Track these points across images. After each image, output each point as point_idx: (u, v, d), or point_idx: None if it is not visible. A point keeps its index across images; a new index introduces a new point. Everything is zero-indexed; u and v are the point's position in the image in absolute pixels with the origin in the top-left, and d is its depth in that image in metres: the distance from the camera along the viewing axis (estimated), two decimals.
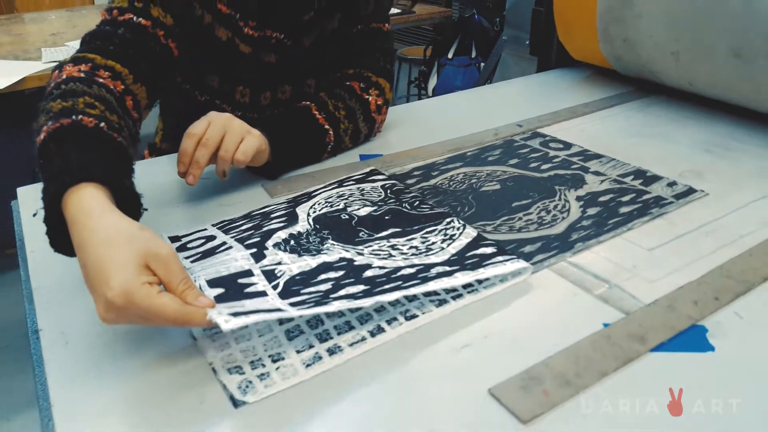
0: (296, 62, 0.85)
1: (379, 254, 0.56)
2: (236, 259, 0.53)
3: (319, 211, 0.64)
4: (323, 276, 0.52)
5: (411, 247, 0.58)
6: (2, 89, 1.81)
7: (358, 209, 0.65)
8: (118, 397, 0.44)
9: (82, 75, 0.61)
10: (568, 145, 0.85)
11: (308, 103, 0.81)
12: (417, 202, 0.67)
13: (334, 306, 0.47)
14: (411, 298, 0.52)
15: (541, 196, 0.71)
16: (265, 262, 0.54)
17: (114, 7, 0.70)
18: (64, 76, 0.60)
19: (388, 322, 0.50)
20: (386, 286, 0.50)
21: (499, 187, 0.73)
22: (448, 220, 0.63)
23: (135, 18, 0.69)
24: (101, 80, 0.62)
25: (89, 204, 0.47)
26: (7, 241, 2.54)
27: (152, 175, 0.77)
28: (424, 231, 0.61)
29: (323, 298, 0.49)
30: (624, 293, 0.54)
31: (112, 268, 0.43)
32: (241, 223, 0.63)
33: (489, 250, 0.57)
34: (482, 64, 2.82)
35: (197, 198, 0.72)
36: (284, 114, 0.79)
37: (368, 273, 0.53)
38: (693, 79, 0.92)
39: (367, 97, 0.85)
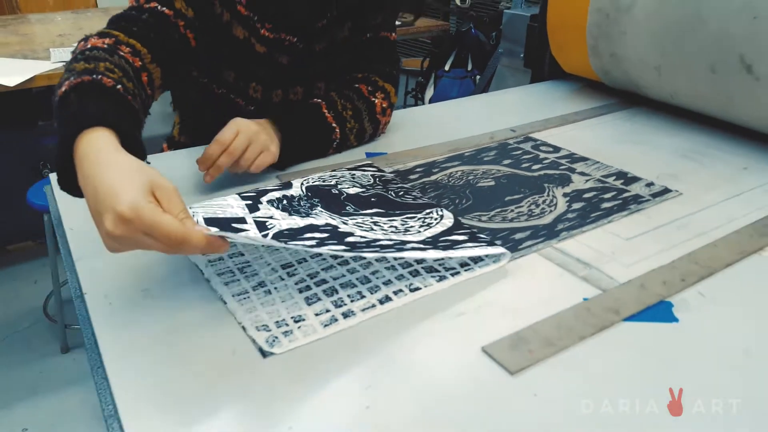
0: (307, 65, 0.92)
1: (362, 226, 0.62)
2: (232, 206, 0.59)
3: (312, 182, 0.70)
4: (309, 235, 0.58)
5: (391, 226, 0.64)
6: (14, 86, 1.87)
7: (348, 188, 0.72)
8: (160, 349, 0.50)
9: (105, 46, 0.68)
10: (557, 149, 0.92)
11: (318, 101, 0.88)
12: (402, 192, 0.74)
13: (317, 249, 0.53)
14: (414, 274, 0.59)
15: (532, 192, 0.78)
16: (258, 213, 0.59)
17: None
18: (89, 45, 0.68)
19: (395, 293, 0.57)
20: (365, 250, 0.56)
21: (494, 184, 0.80)
22: (428, 210, 0.69)
23: (159, 7, 0.76)
24: (122, 53, 0.69)
25: (100, 144, 0.52)
26: (8, 237, 2.57)
27: (172, 167, 0.83)
28: (405, 216, 0.67)
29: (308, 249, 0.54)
30: (602, 274, 0.61)
31: (123, 188, 0.47)
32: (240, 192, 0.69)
33: (462, 237, 0.63)
34: (478, 77, 2.91)
35: (215, 188, 0.78)
36: (296, 111, 0.86)
37: (350, 239, 0.59)
38: (674, 92, 1.00)
39: (373, 99, 0.92)
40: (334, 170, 0.79)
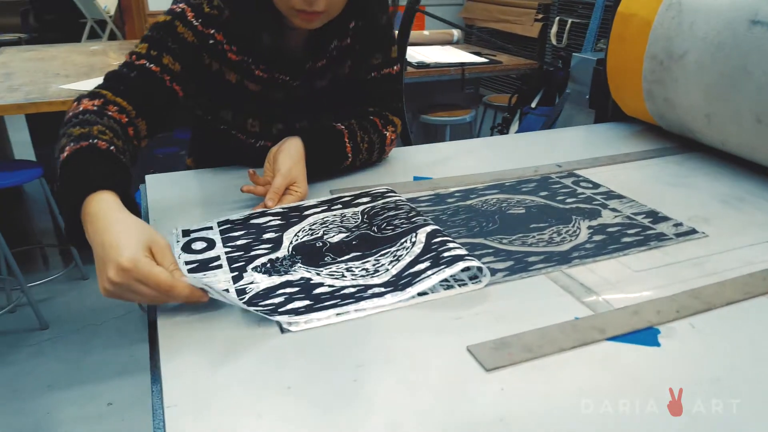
0: (308, 101, 0.98)
1: (334, 275, 0.68)
2: (220, 281, 0.67)
3: (301, 239, 0.76)
4: (281, 291, 0.65)
5: (362, 269, 0.69)
6: None
7: (333, 236, 0.77)
8: (204, 319, 0.61)
9: (95, 108, 0.78)
10: (596, 185, 0.97)
11: (342, 128, 0.96)
12: (384, 224, 0.79)
13: (275, 318, 0.60)
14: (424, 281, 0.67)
15: (558, 222, 0.83)
16: (241, 282, 0.67)
17: (135, 51, 0.86)
18: (81, 108, 0.78)
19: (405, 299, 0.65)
20: (326, 303, 0.62)
21: (524, 212, 0.87)
22: (403, 240, 0.74)
23: (147, 63, 0.84)
24: (110, 113, 0.79)
25: (106, 204, 0.63)
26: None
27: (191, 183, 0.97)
28: (379, 254, 0.73)
29: (272, 312, 0.61)
30: (600, 299, 0.66)
31: (125, 244, 0.58)
32: (239, 234, 0.76)
33: (424, 265, 0.67)
34: None
35: (229, 202, 0.87)
36: (321, 135, 0.95)
37: (317, 290, 0.65)
38: (724, 139, 1.02)
39: (385, 132, 1.01)
40: (331, 207, 0.85)
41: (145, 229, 0.62)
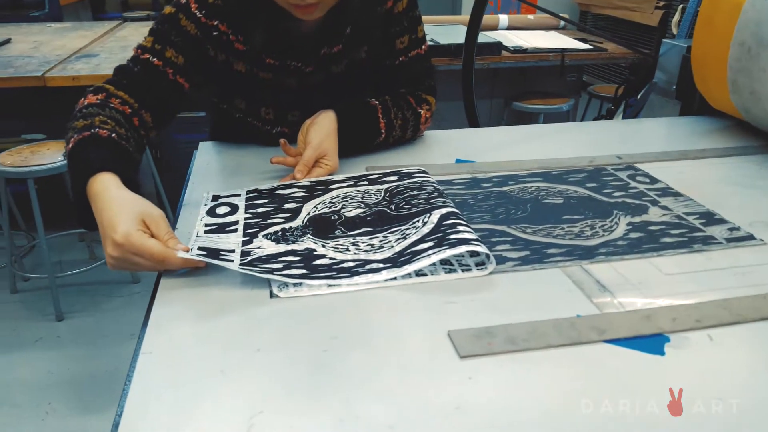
0: (320, 86, 0.96)
1: (338, 248, 0.68)
2: (230, 242, 0.69)
3: (319, 211, 0.76)
4: (282, 258, 0.65)
5: (368, 245, 0.69)
6: None
7: (350, 211, 0.76)
8: (204, 277, 0.64)
9: (98, 101, 0.81)
10: (654, 181, 0.89)
11: (376, 103, 0.95)
12: (403, 203, 0.77)
13: (269, 276, 0.61)
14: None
15: (595, 215, 0.78)
16: (248, 246, 0.68)
17: (141, 45, 0.87)
18: (86, 103, 0.80)
19: (402, 276, 0.63)
20: (321, 274, 0.62)
21: (561, 202, 0.82)
22: (415, 219, 0.72)
23: (151, 57, 0.85)
24: (112, 105, 0.81)
25: (105, 184, 0.67)
26: None
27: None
28: (388, 231, 0.71)
29: (268, 273, 0.62)
30: (614, 300, 0.61)
31: (119, 221, 0.62)
32: (263, 201, 0.79)
33: (428, 244, 0.66)
34: None
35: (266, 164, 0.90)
36: (354, 109, 0.94)
37: (317, 262, 0.65)
38: None
39: (419, 110, 0.99)
40: (358, 182, 0.85)
41: (139, 203, 0.66)
